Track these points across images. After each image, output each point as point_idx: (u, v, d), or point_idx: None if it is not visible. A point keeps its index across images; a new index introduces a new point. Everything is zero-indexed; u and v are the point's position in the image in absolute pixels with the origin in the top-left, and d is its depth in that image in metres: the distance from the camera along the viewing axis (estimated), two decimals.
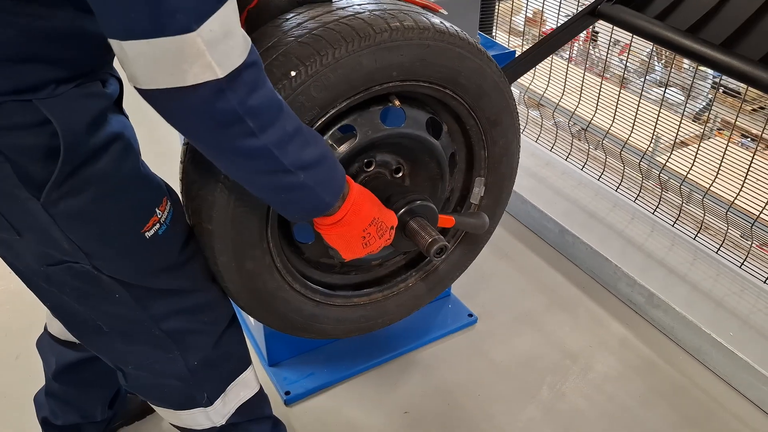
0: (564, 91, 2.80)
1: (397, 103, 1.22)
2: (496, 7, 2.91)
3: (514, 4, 3.17)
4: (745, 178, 2.16)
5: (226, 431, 1.38)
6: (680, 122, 2.42)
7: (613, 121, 2.60)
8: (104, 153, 0.97)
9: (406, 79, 1.17)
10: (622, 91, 2.60)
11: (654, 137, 2.56)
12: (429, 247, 1.23)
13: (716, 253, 2.25)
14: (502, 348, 2.05)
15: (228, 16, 0.83)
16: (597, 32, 3.33)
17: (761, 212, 2.16)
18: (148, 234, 1.06)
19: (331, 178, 1.04)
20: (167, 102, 0.85)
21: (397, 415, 1.84)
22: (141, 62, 0.81)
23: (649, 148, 2.57)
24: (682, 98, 2.78)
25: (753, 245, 2.23)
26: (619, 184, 2.58)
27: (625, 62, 2.82)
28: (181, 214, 1.15)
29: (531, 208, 2.56)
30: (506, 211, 2.61)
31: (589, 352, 2.04)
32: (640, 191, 2.52)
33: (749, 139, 3.02)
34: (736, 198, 2.22)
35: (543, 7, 2.98)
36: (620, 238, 2.36)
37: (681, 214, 2.38)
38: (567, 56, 3.60)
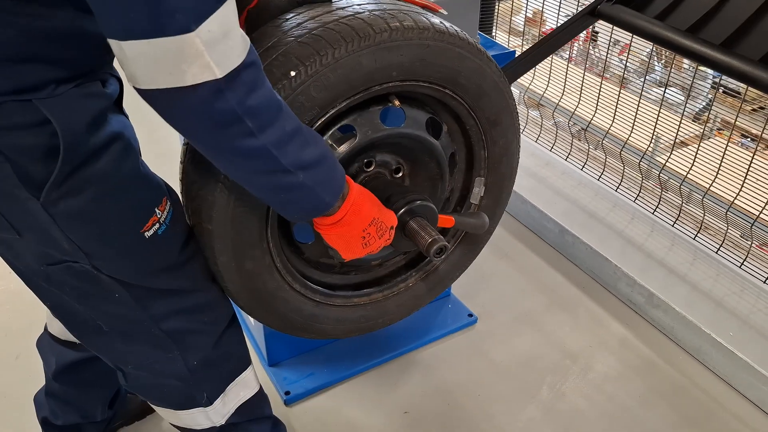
0: (564, 91, 2.80)
1: (396, 103, 1.22)
2: (496, 7, 2.91)
3: (514, 4, 3.17)
4: (745, 178, 2.16)
5: (225, 431, 1.38)
6: (680, 122, 2.42)
7: (612, 121, 2.60)
8: (104, 153, 0.97)
9: (405, 79, 1.17)
10: (622, 91, 2.60)
11: (654, 137, 2.56)
12: (429, 247, 1.23)
13: (716, 253, 2.25)
14: (502, 348, 2.05)
15: (227, 17, 0.83)
16: (597, 32, 3.32)
17: (761, 212, 2.16)
18: (148, 234, 1.06)
19: (330, 178, 1.04)
20: (166, 102, 0.85)
21: (397, 415, 1.84)
22: (140, 62, 0.81)
23: (649, 148, 2.57)
24: (682, 98, 2.78)
25: (753, 245, 2.23)
26: (619, 184, 2.58)
27: (625, 62, 2.81)
28: (180, 214, 1.15)
29: (531, 208, 2.56)
30: (506, 211, 2.61)
31: (589, 352, 2.04)
32: (639, 191, 2.52)
33: (749, 139, 3.02)
34: (735, 198, 2.22)
35: (543, 7, 2.97)
36: (620, 238, 2.36)
37: (681, 214, 2.38)
38: (567, 56, 3.60)
